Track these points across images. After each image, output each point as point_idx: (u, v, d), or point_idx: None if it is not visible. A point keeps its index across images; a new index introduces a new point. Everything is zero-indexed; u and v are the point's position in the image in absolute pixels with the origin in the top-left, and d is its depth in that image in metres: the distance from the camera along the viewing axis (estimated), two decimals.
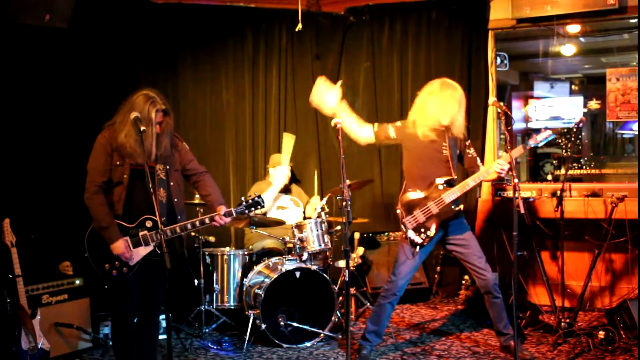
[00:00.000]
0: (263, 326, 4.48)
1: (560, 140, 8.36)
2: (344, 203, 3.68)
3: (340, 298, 4.92)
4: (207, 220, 3.57)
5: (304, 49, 6.15)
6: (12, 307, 3.83)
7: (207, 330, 4.90)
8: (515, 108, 8.75)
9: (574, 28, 5.91)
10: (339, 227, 5.20)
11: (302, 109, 6.15)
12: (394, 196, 5.52)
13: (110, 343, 4.33)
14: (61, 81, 5.15)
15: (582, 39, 6.67)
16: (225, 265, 5.02)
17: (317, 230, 4.88)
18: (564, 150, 8.26)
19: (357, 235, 5.46)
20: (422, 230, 4.08)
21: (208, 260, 5.02)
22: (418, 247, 4.10)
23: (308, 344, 4.60)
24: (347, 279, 3.71)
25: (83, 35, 5.17)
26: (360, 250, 5.41)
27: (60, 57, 5.13)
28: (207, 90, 6.08)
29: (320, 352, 4.46)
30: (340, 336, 4.71)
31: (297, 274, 4.64)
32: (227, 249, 5.17)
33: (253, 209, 3.65)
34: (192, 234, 5.01)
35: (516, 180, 3.73)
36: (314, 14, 6.14)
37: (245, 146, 6.11)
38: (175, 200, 3.58)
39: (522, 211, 3.67)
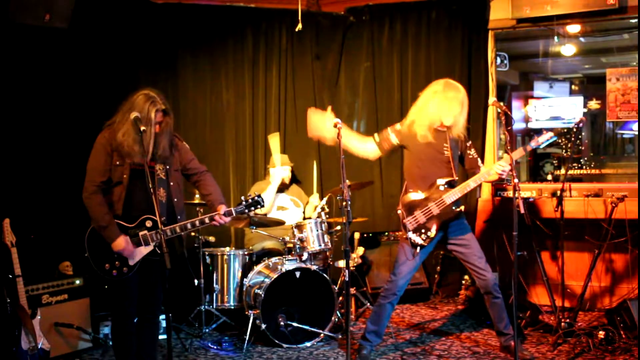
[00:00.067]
0: (263, 326, 4.47)
1: (560, 140, 8.36)
2: (344, 203, 3.68)
3: (340, 298, 4.92)
4: (207, 220, 3.57)
5: (304, 49, 6.15)
6: (12, 307, 3.83)
7: (207, 330, 4.90)
8: (515, 108, 8.76)
9: (574, 28, 5.90)
10: (339, 227, 5.20)
11: (302, 109, 6.14)
12: (394, 196, 5.53)
13: (110, 343, 4.33)
14: (61, 81, 5.15)
15: (582, 39, 6.67)
16: (225, 265, 5.02)
17: (317, 230, 4.88)
18: (564, 150, 8.26)
19: (357, 235, 5.46)
20: (423, 231, 4.08)
21: (208, 260, 5.02)
22: (419, 248, 4.10)
23: (308, 344, 4.60)
24: (347, 279, 3.70)
25: (83, 35, 5.17)
26: (360, 250, 5.41)
27: (60, 57, 5.13)
28: (207, 90, 6.08)
29: (320, 352, 4.46)
30: (340, 336, 4.71)
31: (297, 274, 4.64)
32: (227, 249, 5.17)
33: (253, 208, 3.65)
34: (192, 234, 5.02)
35: (516, 180, 3.73)
36: (314, 14, 6.14)
37: (245, 146, 6.11)
38: (175, 200, 3.57)
39: (522, 211, 3.68)
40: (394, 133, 4.19)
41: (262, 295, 4.48)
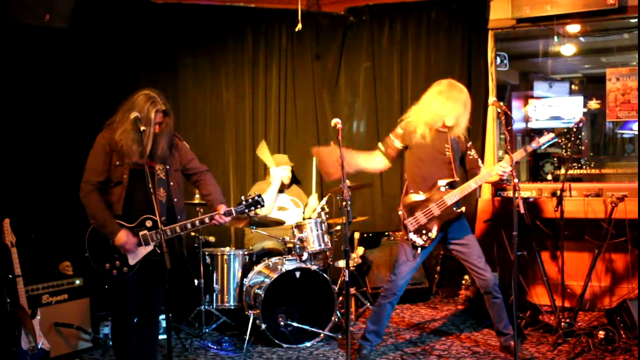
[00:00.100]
0: (263, 326, 4.47)
1: (560, 140, 8.36)
2: (344, 203, 3.68)
3: (340, 298, 4.92)
4: (207, 220, 3.57)
5: (304, 49, 6.15)
6: (12, 307, 3.83)
7: (207, 330, 4.90)
8: (515, 108, 8.76)
9: (573, 28, 5.90)
10: (339, 227, 5.20)
11: (302, 109, 6.15)
12: (394, 196, 5.53)
13: (110, 343, 4.33)
14: (61, 81, 5.15)
15: (582, 39, 6.67)
16: (225, 265, 5.02)
17: (317, 230, 4.88)
18: (564, 150, 8.26)
19: (357, 235, 5.46)
20: (424, 232, 4.07)
21: (208, 260, 5.02)
22: (419, 249, 4.10)
23: (308, 344, 4.59)
24: (347, 279, 3.70)
25: (83, 35, 5.17)
26: (360, 250, 5.41)
27: (60, 57, 5.13)
28: (207, 90, 6.08)
29: (320, 352, 4.46)
30: (340, 336, 4.71)
31: (297, 274, 4.64)
32: (227, 249, 5.17)
33: (253, 208, 3.65)
34: (192, 234, 5.01)
35: (516, 180, 3.73)
36: (314, 14, 6.14)
37: (245, 146, 6.11)
38: (175, 200, 3.57)
39: (522, 211, 3.67)
40: (396, 137, 4.20)
41: (262, 295, 4.48)
